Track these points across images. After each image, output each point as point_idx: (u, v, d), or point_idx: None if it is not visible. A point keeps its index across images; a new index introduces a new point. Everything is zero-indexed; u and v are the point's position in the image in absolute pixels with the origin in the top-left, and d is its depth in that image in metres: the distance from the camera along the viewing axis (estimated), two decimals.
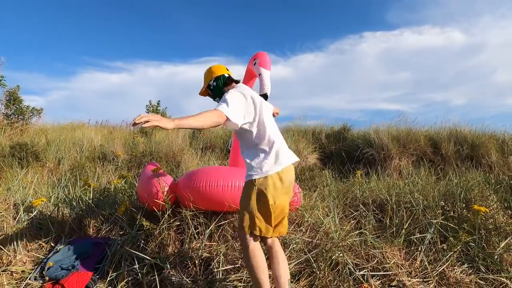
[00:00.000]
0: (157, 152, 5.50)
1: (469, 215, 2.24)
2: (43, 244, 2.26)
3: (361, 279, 1.75)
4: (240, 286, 1.72)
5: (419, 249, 2.02)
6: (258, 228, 1.47)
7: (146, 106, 10.06)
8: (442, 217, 2.31)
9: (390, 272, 1.80)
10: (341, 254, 1.88)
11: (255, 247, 1.47)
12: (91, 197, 2.88)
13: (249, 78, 2.92)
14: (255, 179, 1.50)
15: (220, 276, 1.77)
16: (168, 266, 1.86)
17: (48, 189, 3.23)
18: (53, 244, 2.27)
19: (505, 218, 2.29)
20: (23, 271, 1.93)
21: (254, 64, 2.57)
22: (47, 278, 1.79)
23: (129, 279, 1.88)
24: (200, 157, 4.98)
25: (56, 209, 2.59)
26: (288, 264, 1.82)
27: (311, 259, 1.83)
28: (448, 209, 2.49)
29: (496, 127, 6.77)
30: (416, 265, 1.92)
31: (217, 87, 1.82)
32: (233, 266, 1.86)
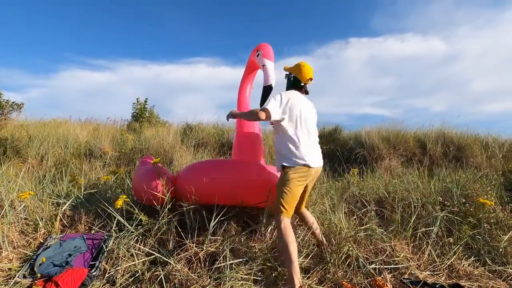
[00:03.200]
0: (148, 149, 5.31)
1: (471, 209, 2.25)
2: (31, 240, 2.09)
3: (373, 272, 1.71)
4: (250, 280, 1.64)
5: (425, 243, 2.01)
6: (288, 209, 1.76)
7: (133, 104, 9.76)
8: (444, 211, 2.32)
9: (401, 265, 1.77)
10: (351, 248, 1.83)
11: (286, 226, 1.72)
12: (82, 192, 2.72)
13: (250, 71, 2.85)
14: (288, 167, 1.81)
15: (228, 271, 1.68)
16: (172, 261, 1.75)
17: (33, 185, 3.02)
18: (42, 241, 2.11)
19: (505, 213, 2.32)
20: (9, 269, 1.77)
21: (257, 55, 2.51)
22: (38, 275, 1.64)
23: (128, 276, 1.76)
24: (193, 154, 4.85)
25: (44, 204, 2.42)
26: (299, 258, 1.76)
27: (326, 252, 1.78)
28: (448, 204, 2.51)
29: (480, 130, 7.01)
30: (424, 258, 1.91)
31: (289, 82, 2.20)
32: (240, 260, 1.78)
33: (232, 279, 1.61)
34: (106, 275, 1.75)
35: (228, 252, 1.77)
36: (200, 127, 6.55)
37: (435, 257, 1.88)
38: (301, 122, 1.88)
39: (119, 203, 2.07)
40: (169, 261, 1.74)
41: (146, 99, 9.60)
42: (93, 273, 1.75)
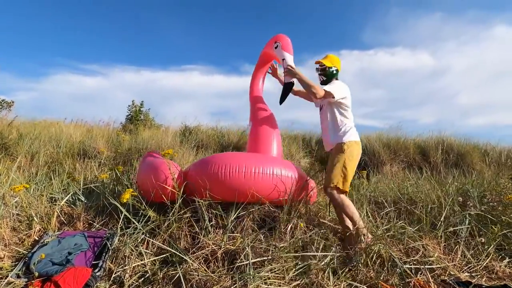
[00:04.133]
0: (146, 149, 5.09)
1: (499, 208, 2.15)
2: (24, 237, 1.87)
3: (409, 273, 1.56)
4: (276, 278, 1.47)
5: (455, 243, 1.89)
6: (342, 182, 2.00)
7: (129, 106, 9.54)
8: (474, 211, 2.21)
9: (437, 266, 1.63)
10: (382, 247, 1.69)
11: (343, 197, 1.99)
12: (81, 187, 2.51)
13: (264, 63, 2.72)
14: (344, 142, 2.10)
15: (250, 271, 1.50)
16: (189, 259, 1.56)
17: (25, 181, 2.79)
18: (36, 238, 1.89)
19: None
20: (1, 268, 1.55)
21: (276, 48, 2.36)
22: (36, 274, 1.42)
23: (137, 276, 1.56)
24: (194, 155, 4.66)
25: (39, 199, 2.20)
26: (326, 257, 1.61)
27: (354, 252, 1.63)
28: (471, 204, 2.40)
29: (478, 138, 7.05)
30: (458, 258, 1.78)
31: (332, 74, 2.31)
32: (264, 259, 1.60)
33: (258, 279, 1.44)
34: (113, 276, 1.55)
35: (249, 250, 1.60)
36: (200, 129, 6.37)
37: (470, 257, 1.75)
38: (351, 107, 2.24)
39: (126, 196, 1.88)
40: (186, 258, 1.56)
41: (142, 101, 9.39)
42: (97, 273, 1.55)
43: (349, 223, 1.99)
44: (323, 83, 2.31)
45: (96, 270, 1.56)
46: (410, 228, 1.88)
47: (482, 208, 2.20)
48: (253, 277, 1.44)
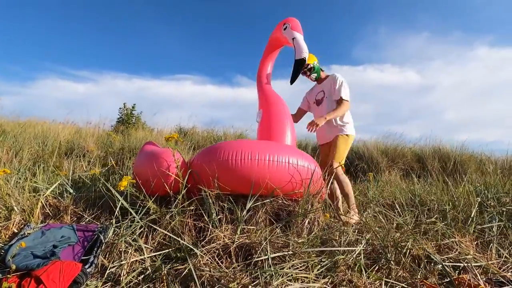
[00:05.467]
0: (139, 149, 4.83)
1: None
2: (1, 229, 1.60)
3: (450, 270, 1.38)
4: (300, 275, 1.26)
5: (488, 241, 1.73)
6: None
7: (120, 109, 9.19)
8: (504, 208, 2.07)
9: (479, 264, 1.45)
10: (413, 243, 1.51)
11: (344, 175, 2.42)
12: (69, 179, 2.25)
13: (273, 48, 2.59)
14: (348, 134, 2.54)
15: (269, 267, 1.29)
16: (199, 253, 1.34)
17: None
18: (16, 230, 1.63)
19: None
20: None
21: (285, 29, 2.27)
22: (13, 267, 1.16)
23: (136, 273, 1.32)
24: (191, 156, 4.43)
25: (19, 189, 1.93)
26: (353, 253, 1.43)
27: (388, 248, 1.44)
28: (492, 204, 2.26)
29: (473, 147, 7.07)
30: (493, 257, 1.61)
31: (318, 69, 2.68)
32: (283, 253, 1.39)
33: (280, 275, 1.23)
34: (107, 272, 1.30)
35: (268, 245, 1.39)
36: (195, 131, 6.15)
37: (507, 256, 1.59)
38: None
39: (123, 184, 1.65)
40: (196, 251, 1.33)
41: (134, 104, 9.07)
42: (88, 269, 1.30)
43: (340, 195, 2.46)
44: (315, 79, 2.71)
45: (87, 266, 1.32)
46: (442, 225, 1.71)
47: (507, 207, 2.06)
48: (275, 274, 1.23)
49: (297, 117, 2.88)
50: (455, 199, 2.34)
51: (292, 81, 2.21)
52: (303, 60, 2.08)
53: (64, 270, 1.20)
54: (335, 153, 2.44)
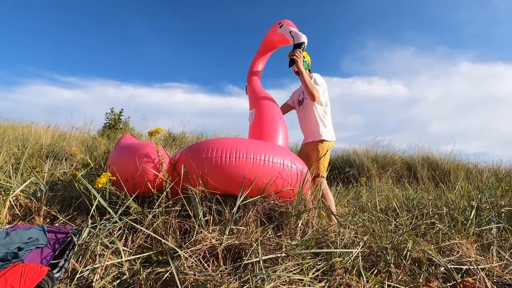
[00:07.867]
0: None
1: None
2: None
3: (452, 273, 1.29)
4: (295, 278, 1.15)
5: (488, 243, 1.66)
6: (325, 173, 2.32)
7: (107, 114, 8.94)
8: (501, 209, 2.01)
9: (484, 266, 1.37)
10: (413, 245, 1.42)
11: (326, 185, 2.30)
12: (44, 178, 2.08)
13: (266, 50, 2.55)
14: (327, 140, 2.38)
15: (259, 270, 1.17)
16: (183, 255, 1.20)
17: None
18: None
19: None
20: None
21: (281, 27, 2.27)
22: None
23: (110, 278, 1.18)
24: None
25: None
26: (351, 255, 1.33)
27: (387, 250, 1.34)
28: (488, 207, 2.21)
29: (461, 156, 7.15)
30: (494, 259, 1.54)
31: (306, 66, 2.50)
32: (275, 256, 1.28)
33: (272, 279, 1.11)
34: (77, 277, 1.16)
35: (259, 246, 1.27)
36: (184, 135, 6.01)
37: (510, 258, 1.52)
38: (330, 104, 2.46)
39: (102, 180, 1.51)
40: (180, 253, 1.20)
41: (122, 109, 8.83)
42: (56, 274, 1.15)
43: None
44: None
45: (55, 271, 1.17)
46: (441, 226, 1.63)
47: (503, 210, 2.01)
48: (266, 277, 1.11)
49: (282, 111, 2.77)
50: (451, 202, 2.29)
51: (290, 65, 2.21)
52: (302, 43, 2.07)
53: (26, 274, 1.05)
54: (319, 166, 2.30)
